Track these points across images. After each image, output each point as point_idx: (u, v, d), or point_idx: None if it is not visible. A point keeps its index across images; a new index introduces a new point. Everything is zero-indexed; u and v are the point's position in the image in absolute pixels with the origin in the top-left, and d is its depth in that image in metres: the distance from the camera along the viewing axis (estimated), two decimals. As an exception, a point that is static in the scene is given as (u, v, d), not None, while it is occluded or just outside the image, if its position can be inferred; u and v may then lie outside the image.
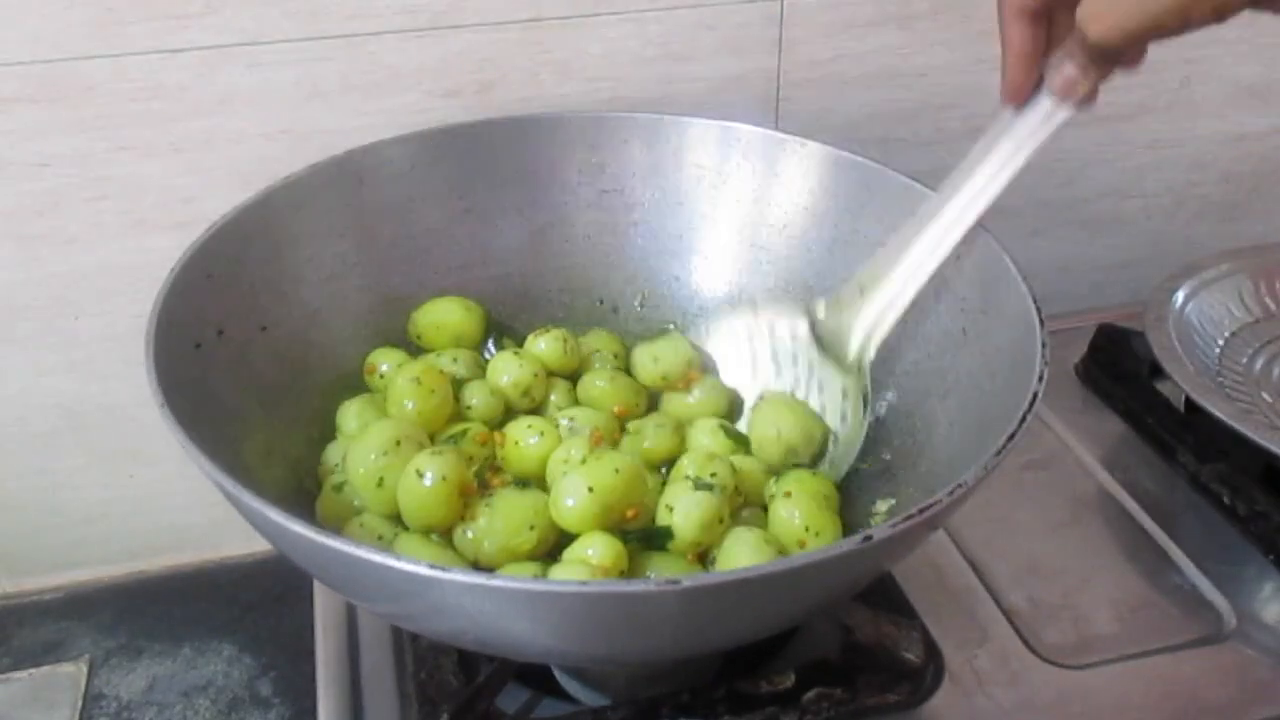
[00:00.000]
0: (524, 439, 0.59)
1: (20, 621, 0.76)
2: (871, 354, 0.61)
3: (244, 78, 0.65)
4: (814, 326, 0.64)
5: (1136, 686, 0.60)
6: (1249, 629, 0.63)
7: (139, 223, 0.68)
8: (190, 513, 0.79)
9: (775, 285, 0.69)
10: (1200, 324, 0.79)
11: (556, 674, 0.61)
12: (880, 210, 0.64)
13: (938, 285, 0.60)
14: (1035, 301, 0.52)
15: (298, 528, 0.39)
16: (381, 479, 0.53)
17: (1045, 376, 0.48)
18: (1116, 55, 0.48)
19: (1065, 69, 0.50)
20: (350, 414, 0.61)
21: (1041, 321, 0.51)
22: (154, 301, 0.50)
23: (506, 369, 0.63)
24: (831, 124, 0.61)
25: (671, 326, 0.71)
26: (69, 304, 0.69)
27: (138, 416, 0.74)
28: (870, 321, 0.60)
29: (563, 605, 0.39)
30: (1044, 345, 0.50)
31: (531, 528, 0.53)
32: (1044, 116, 0.53)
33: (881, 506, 0.59)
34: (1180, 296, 0.79)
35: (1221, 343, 0.79)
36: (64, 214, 0.66)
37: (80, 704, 0.69)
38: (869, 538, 0.39)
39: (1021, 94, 0.53)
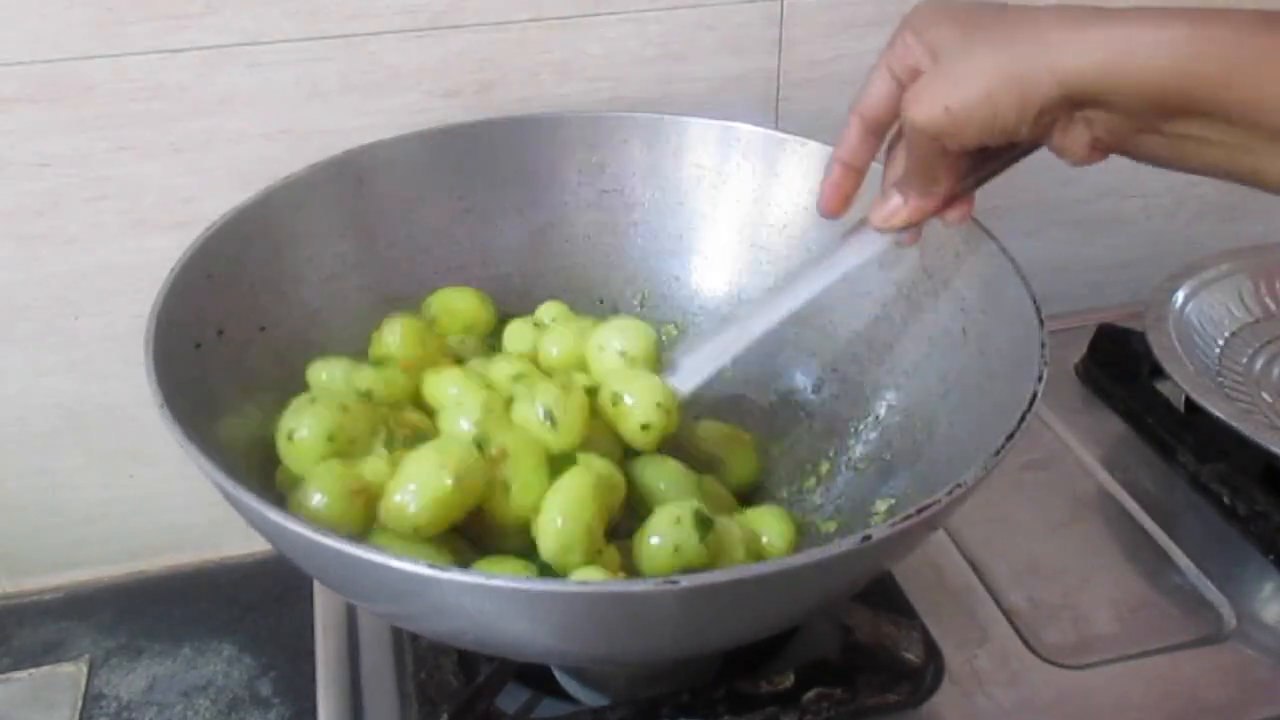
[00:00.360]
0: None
1: (20, 621, 0.76)
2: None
3: (244, 78, 0.65)
4: None
5: (1136, 686, 0.60)
6: (1249, 629, 0.63)
7: (139, 223, 0.68)
8: (190, 513, 0.79)
9: (775, 284, 0.69)
10: (1200, 324, 0.79)
11: (556, 674, 0.61)
12: (880, 210, 0.64)
13: (938, 285, 0.61)
14: (1035, 301, 0.52)
15: (297, 527, 0.39)
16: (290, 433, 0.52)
17: (1045, 376, 0.48)
18: (938, 170, 0.49)
19: (890, 198, 0.52)
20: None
21: (1041, 321, 0.51)
22: (154, 301, 0.50)
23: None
24: (831, 124, 0.61)
25: (673, 327, 0.71)
26: (69, 304, 0.69)
27: (138, 416, 0.74)
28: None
29: (562, 605, 0.39)
30: (1044, 345, 0.50)
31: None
32: (863, 243, 0.55)
33: (881, 506, 0.59)
34: (1180, 296, 0.79)
35: (1221, 343, 0.79)
36: (64, 214, 0.66)
37: (80, 704, 0.69)
38: (868, 537, 0.39)
39: (830, 206, 0.56)
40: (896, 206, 0.52)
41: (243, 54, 0.64)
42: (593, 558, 0.50)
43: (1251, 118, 0.40)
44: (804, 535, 0.61)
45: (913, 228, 0.54)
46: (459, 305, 0.66)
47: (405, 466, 0.50)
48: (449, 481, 0.49)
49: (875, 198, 0.54)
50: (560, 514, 0.50)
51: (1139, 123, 0.43)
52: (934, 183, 0.50)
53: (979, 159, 0.51)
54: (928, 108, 0.45)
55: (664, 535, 0.51)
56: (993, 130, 0.44)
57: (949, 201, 0.52)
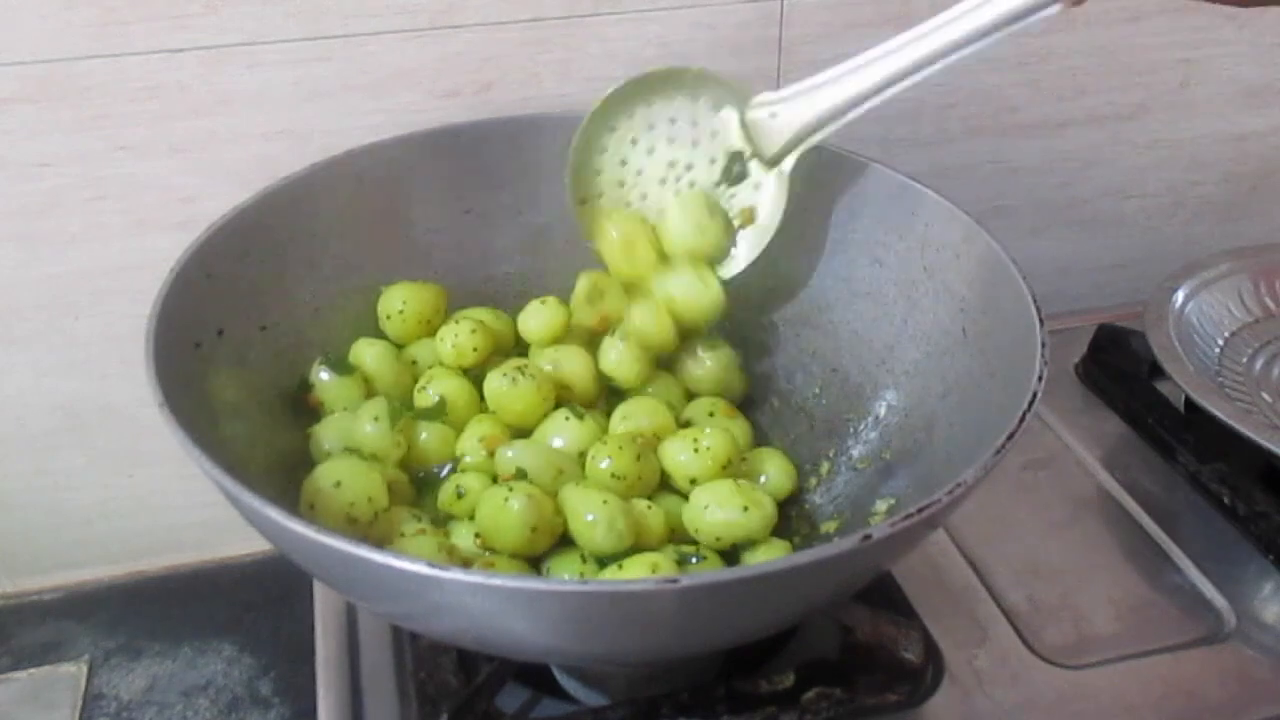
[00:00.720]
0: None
1: (20, 621, 0.75)
2: (793, 160, 0.62)
3: (244, 78, 0.65)
4: (742, 117, 0.63)
5: (1136, 686, 0.60)
6: (1249, 629, 0.63)
7: (139, 223, 0.68)
8: (190, 513, 0.79)
9: (775, 286, 0.69)
10: (1200, 324, 0.79)
11: (556, 674, 0.61)
12: (880, 210, 0.64)
13: (938, 285, 0.60)
14: (1035, 301, 0.52)
15: (297, 526, 0.39)
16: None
17: (1045, 376, 0.48)
18: None
19: None
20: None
21: (1041, 321, 0.51)
22: (154, 301, 0.50)
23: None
24: (831, 124, 0.62)
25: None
26: (69, 304, 0.69)
27: (138, 416, 0.74)
28: (801, 126, 0.61)
29: (562, 603, 0.39)
30: (1044, 345, 0.50)
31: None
32: None
33: (881, 506, 0.59)
34: (1180, 296, 0.79)
35: (1221, 343, 0.79)
36: (64, 214, 0.66)
37: (80, 704, 0.69)
38: (868, 536, 0.39)
39: None
40: None
41: (243, 54, 0.64)
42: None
43: None
44: (805, 535, 0.62)
45: None
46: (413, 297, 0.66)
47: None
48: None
49: None
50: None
51: None
52: None
53: None
54: None
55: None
56: None
57: None
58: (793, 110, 0.61)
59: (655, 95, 0.63)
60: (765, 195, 0.64)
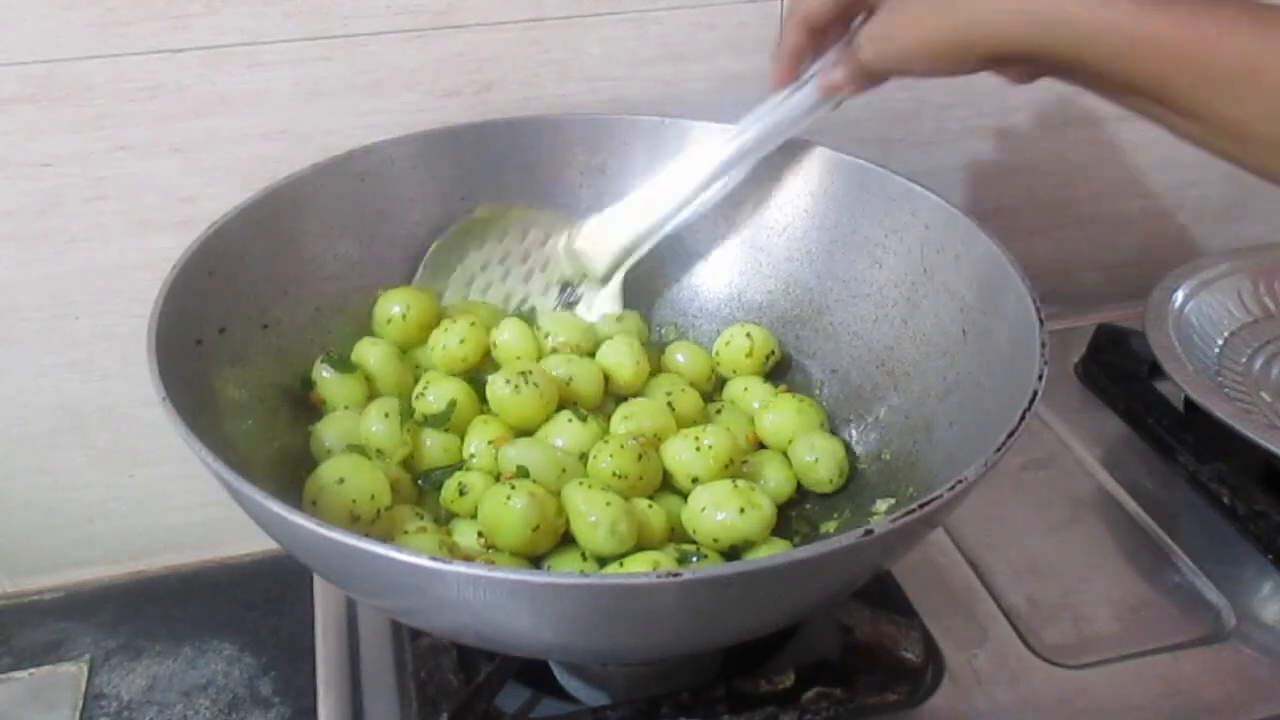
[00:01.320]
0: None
1: (20, 621, 0.75)
2: (620, 275, 0.68)
3: (244, 78, 0.65)
4: (569, 244, 0.68)
5: (1136, 686, 0.60)
6: (1249, 629, 0.63)
7: (139, 223, 0.68)
8: (190, 513, 0.79)
9: (775, 287, 0.69)
10: (1200, 324, 0.79)
11: (556, 673, 0.61)
12: (880, 211, 0.64)
13: (938, 285, 0.61)
14: (1035, 301, 0.52)
15: (300, 520, 0.39)
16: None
17: (1045, 376, 0.48)
18: (879, 77, 0.55)
19: (834, 73, 0.57)
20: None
21: (1041, 321, 0.51)
22: (155, 298, 0.51)
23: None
24: (831, 124, 0.62)
25: (672, 328, 0.71)
26: (69, 304, 0.69)
27: (138, 416, 0.74)
28: (622, 247, 0.67)
29: (564, 597, 0.39)
30: (1044, 345, 0.50)
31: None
32: (808, 105, 0.61)
33: (881, 506, 0.59)
34: (1180, 296, 0.79)
35: (1221, 343, 0.79)
36: (64, 214, 0.66)
37: (80, 704, 0.69)
38: (869, 532, 0.39)
39: (782, 81, 0.61)
40: (840, 82, 0.57)
41: (243, 54, 0.65)
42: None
43: (1164, 95, 0.44)
44: (804, 535, 0.62)
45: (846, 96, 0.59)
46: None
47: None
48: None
49: (823, 62, 0.59)
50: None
51: (1076, 81, 0.48)
52: (875, 82, 0.56)
53: None
54: (878, 48, 0.52)
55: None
56: (933, 72, 0.50)
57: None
58: (615, 233, 0.67)
59: (487, 236, 0.68)
60: (600, 308, 0.69)
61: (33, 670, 0.71)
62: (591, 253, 0.67)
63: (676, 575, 0.37)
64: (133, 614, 0.76)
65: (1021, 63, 0.48)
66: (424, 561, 0.37)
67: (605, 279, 0.68)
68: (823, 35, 0.58)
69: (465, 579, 0.37)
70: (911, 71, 0.52)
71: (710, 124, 0.67)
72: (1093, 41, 0.44)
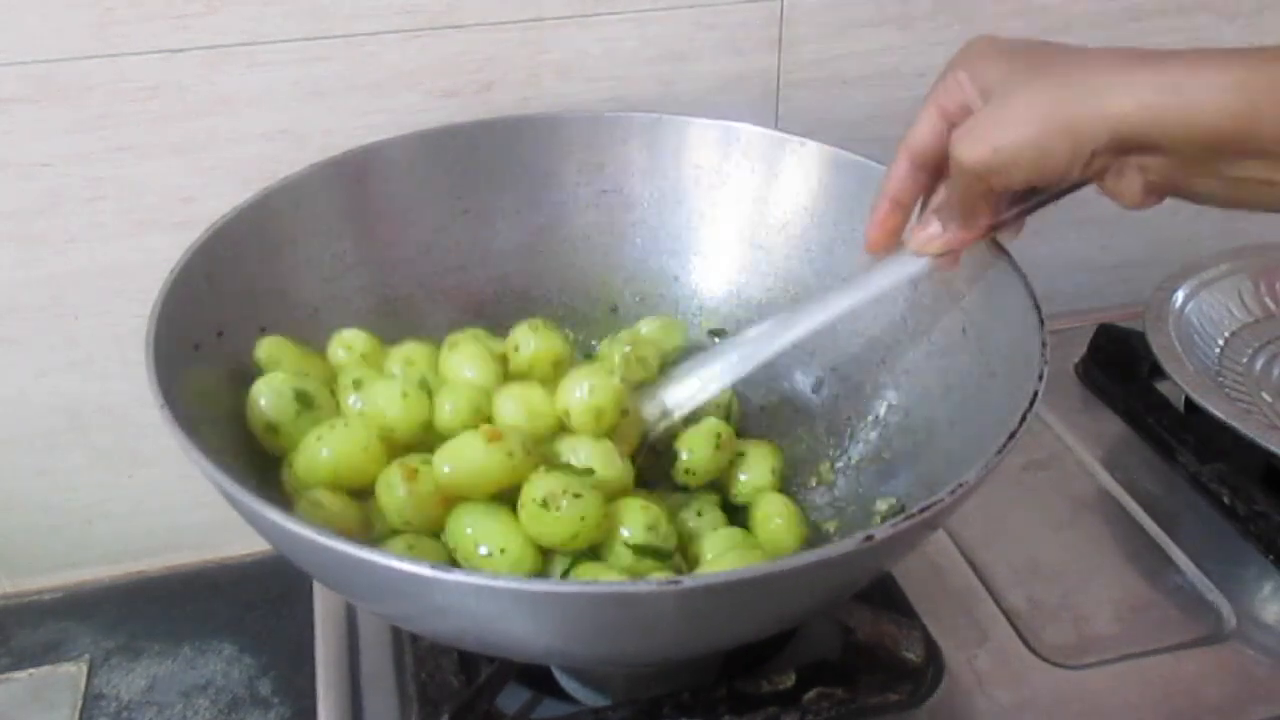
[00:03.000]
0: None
1: (20, 621, 0.75)
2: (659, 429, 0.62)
3: (244, 78, 0.65)
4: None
5: (1136, 686, 0.60)
6: (1249, 629, 0.63)
7: (139, 223, 0.68)
8: (190, 513, 0.79)
9: (774, 285, 0.69)
10: (1200, 324, 0.79)
11: (556, 674, 0.61)
12: (880, 210, 0.64)
13: (938, 285, 0.60)
14: (1035, 301, 0.52)
15: (297, 527, 0.39)
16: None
17: (1045, 376, 0.48)
18: (981, 204, 0.50)
19: (929, 224, 0.53)
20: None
21: (1041, 321, 0.51)
22: (153, 303, 0.50)
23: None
24: (831, 124, 0.61)
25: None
26: (69, 304, 0.69)
27: (138, 416, 0.74)
28: (661, 408, 0.62)
29: (563, 605, 0.39)
30: (1044, 345, 0.50)
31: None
32: (898, 265, 0.55)
33: (881, 506, 0.59)
34: (1180, 296, 0.79)
35: (1221, 343, 0.79)
36: (64, 214, 0.66)
37: (80, 704, 0.69)
38: (870, 537, 0.39)
39: (878, 245, 0.56)
40: (935, 233, 0.52)
41: (243, 54, 0.64)
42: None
43: None
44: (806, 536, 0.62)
45: (950, 254, 0.53)
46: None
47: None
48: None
49: (915, 222, 0.54)
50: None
51: (1195, 167, 0.43)
52: (976, 216, 0.51)
53: (1024, 193, 0.51)
54: (976, 148, 0.45)
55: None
56: (1041, 172, 0.44)
57: (990, 230, 0.52)
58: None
59: None
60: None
61: (32, 670, 0.71)
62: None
63: (676, 583, 0.37)
64: (132, 614, 0.76)
65: (1148, 151, 0.43)
66: (424, 570, 0.37)
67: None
68: (928, 180, 0.53)
69: (464, 587, 0.37)
70: (1011, 172, 0.45)
71: (709, 121, 0.67)
72: (1244, 102, 0.40)
